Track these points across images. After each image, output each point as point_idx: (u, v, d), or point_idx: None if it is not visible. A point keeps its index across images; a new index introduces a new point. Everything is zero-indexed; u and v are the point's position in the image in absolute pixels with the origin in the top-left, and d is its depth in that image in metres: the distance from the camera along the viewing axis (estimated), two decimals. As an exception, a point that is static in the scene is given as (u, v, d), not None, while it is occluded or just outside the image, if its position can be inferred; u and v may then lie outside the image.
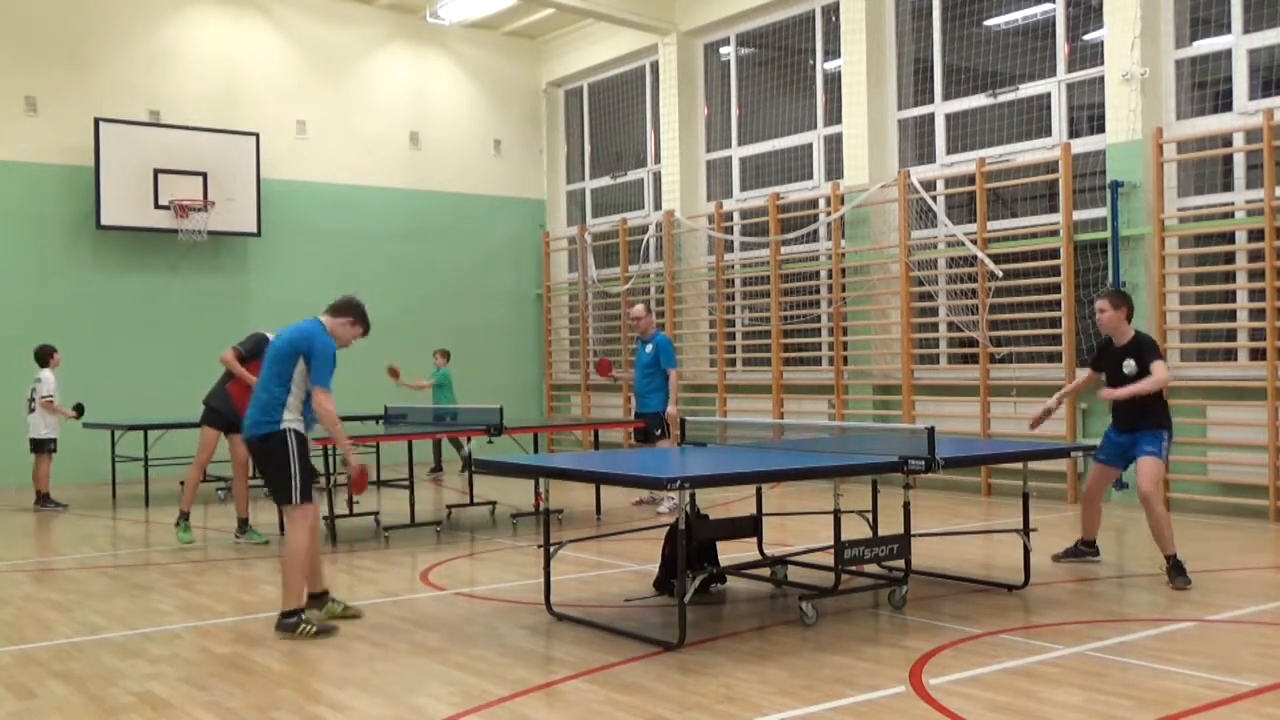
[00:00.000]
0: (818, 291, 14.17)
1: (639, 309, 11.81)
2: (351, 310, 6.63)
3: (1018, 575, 7.18)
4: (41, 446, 12.14)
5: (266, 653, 5.87)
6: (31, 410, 12.10)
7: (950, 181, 12.90)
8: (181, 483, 12.96)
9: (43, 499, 12.10)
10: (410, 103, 17.33)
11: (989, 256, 11.97)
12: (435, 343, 16.04)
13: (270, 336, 9.42)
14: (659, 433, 11.28)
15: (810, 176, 14.61)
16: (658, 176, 16.64)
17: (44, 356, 12.21)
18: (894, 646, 5.75)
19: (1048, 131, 12.15)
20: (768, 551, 7.69)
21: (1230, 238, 10.83)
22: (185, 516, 9.62)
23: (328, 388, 6.28)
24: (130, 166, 14.67)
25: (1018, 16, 12.70)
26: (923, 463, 6.29)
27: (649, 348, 11.54)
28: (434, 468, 15.27)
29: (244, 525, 9.63)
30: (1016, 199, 12.78)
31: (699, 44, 16.24)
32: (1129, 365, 7.51)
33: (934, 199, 12.72)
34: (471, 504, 11.01)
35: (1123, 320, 7.58)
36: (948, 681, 5.10)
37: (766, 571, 7.31)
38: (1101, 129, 11.46)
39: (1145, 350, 7.55)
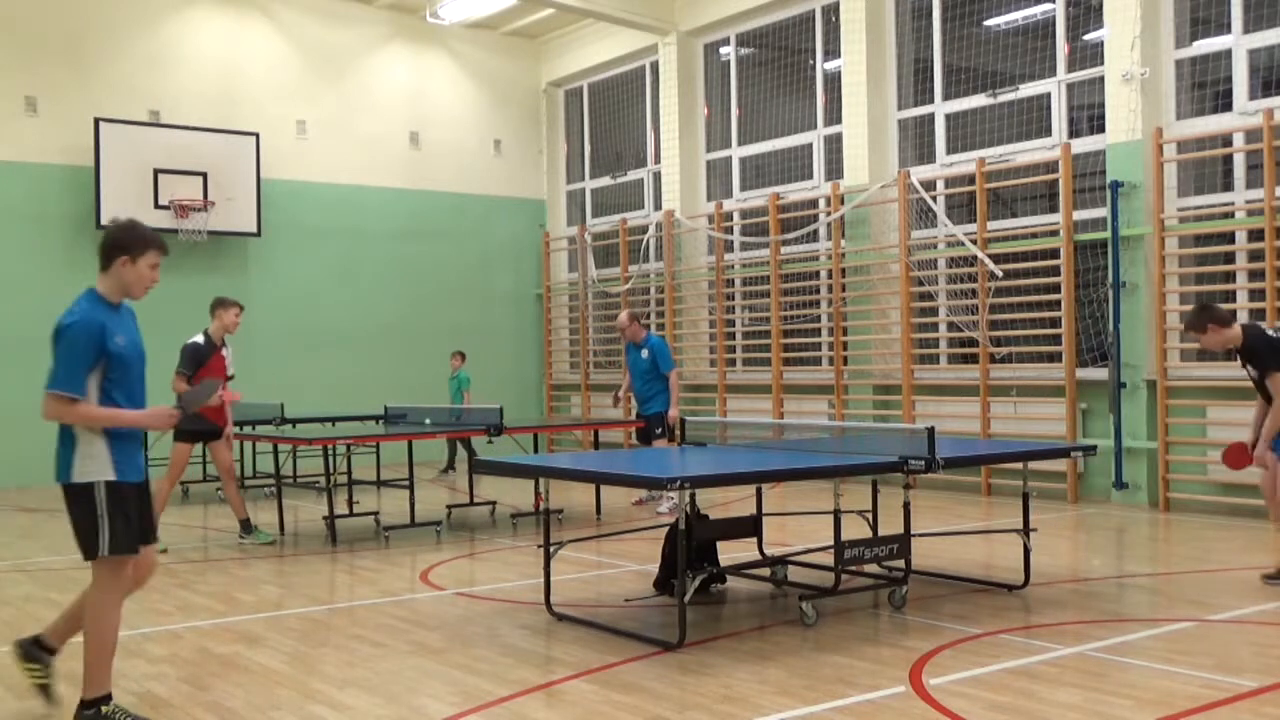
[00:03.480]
0: (818, 291, 14.17)
1: (623, 318, 11.69)
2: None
3: (1018, 575, 7.18)
4: None
5: (266, 653, 5.87)
6: None
7: (950, 181, 12.90)
8: (182, 484, 13.06)
9: None
10: (410, 103, 17.33)
11: (989, 256, 11.97)
12: (435, 342, 16.06)
13: (200, 342, 9.53)
14: (659, 432, 11.27)
15: (810, 176, 14.61)
16: (658, 176, 16.64)
17: None
18: (894, 646, 5.75)
19: (1048, 131, 12.15)
20: (768, 551, 7.69)
21: (1230, 238, 10.82)
22: (245, 524, 9.61)
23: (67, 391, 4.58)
24: (130, 166, 14.66)
25: (1018, 16, 12.70)
26: (923, 463, 6.29)
27: (644, 353, 11.48)
28: (445, 468, 15.24)
29: (247, 526, 9.62)
30: (1016, 199, 12.78)
31: (699, 44, 16.24)
32: (1250, 371, 7.27)
33: (934, 199, 12.72)
34: (471, 504, 11.01)
35: (1220, 331, 7.16)
36: (948, 681, 5.10)
37: (766, 571, 7.31)
38: (1101, 129, 11.46)
39: (1259, 354, 7.12)
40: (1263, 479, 7.42)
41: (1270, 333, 7.39)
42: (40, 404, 4.60)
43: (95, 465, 4.56)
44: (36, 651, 4.94)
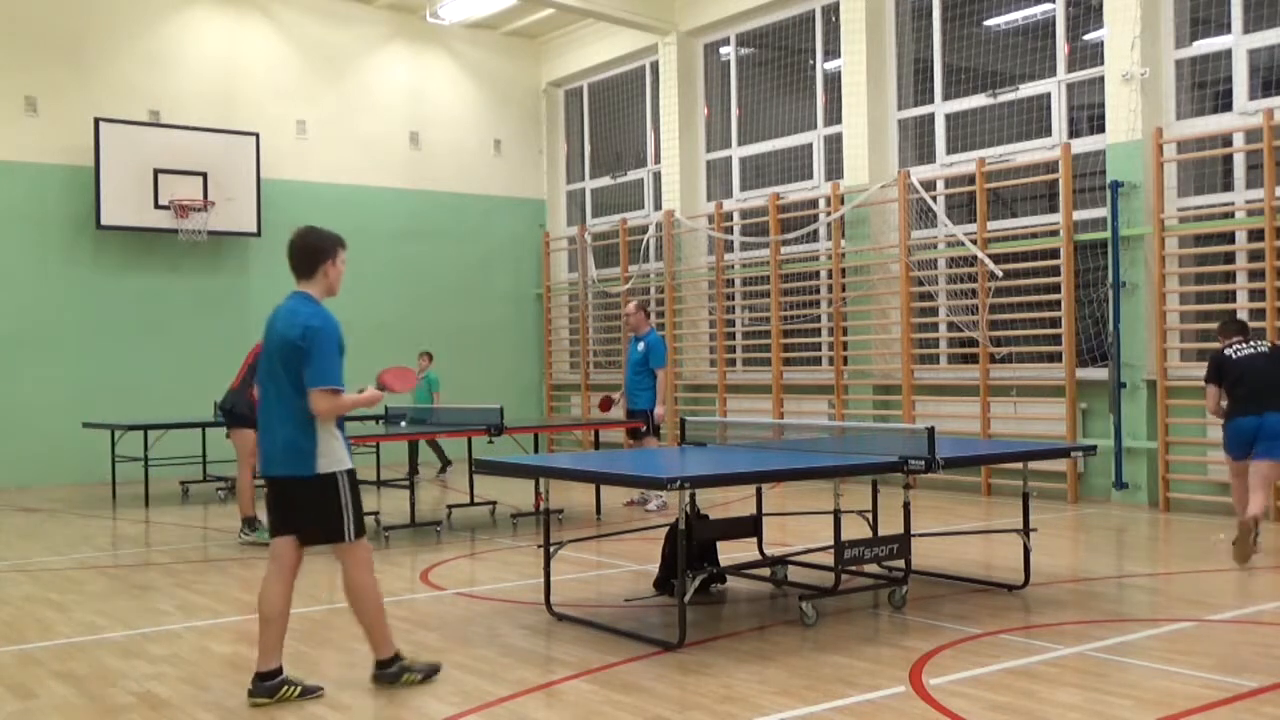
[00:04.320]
0: (818, 291, 14.17)
1: (632, 305, 11.83)
2: None
3: (1018, 575, 7.18)
4: None
5: (266, 653, 5.87)
6: None
7: (950, 181, 12.90)
8: (182, 483, 13.06)
9: None
10: (410, 103, 17.33)
11: (989, 256, 11.97)
12: (435, 343, 16.03)
13: None
14: (645, 429, 11.30)
15: (810, 176, 14.61)
16: (658, 176, 16.64)
17: None
18: (894, 646, 5.75)
19: (1048, 131, 12.15)
20: (768, 551, 7.69)
21: (1230, 238, 10.83)
22: (249, 521, 9.52)
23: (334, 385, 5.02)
24: (130, 166, 14.66)
25: (1018, 16, 12.70)
26: (923, 463, 6.29)
27: (640, 346, 11.56)
28: (441, 469, 15.24)
29: (252, 523, 9.58)
30: (1016, 199, 12.78)
31: (699, 44, 16.23)
32: None
33: (934, 199, 12.72)
34: (472, 504, 11.01)
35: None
36: (948, 681, 5.10)
37: (766, 571, 7.31)
38: (1101, 129, 11.46)
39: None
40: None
41: (1228, 350, 8.45)
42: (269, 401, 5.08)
43: (335, 457, 4.97)
44: (390, 672, 5.15)
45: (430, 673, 5.21)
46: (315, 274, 5.27)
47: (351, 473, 5.04)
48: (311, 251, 5.27)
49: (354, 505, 5.01)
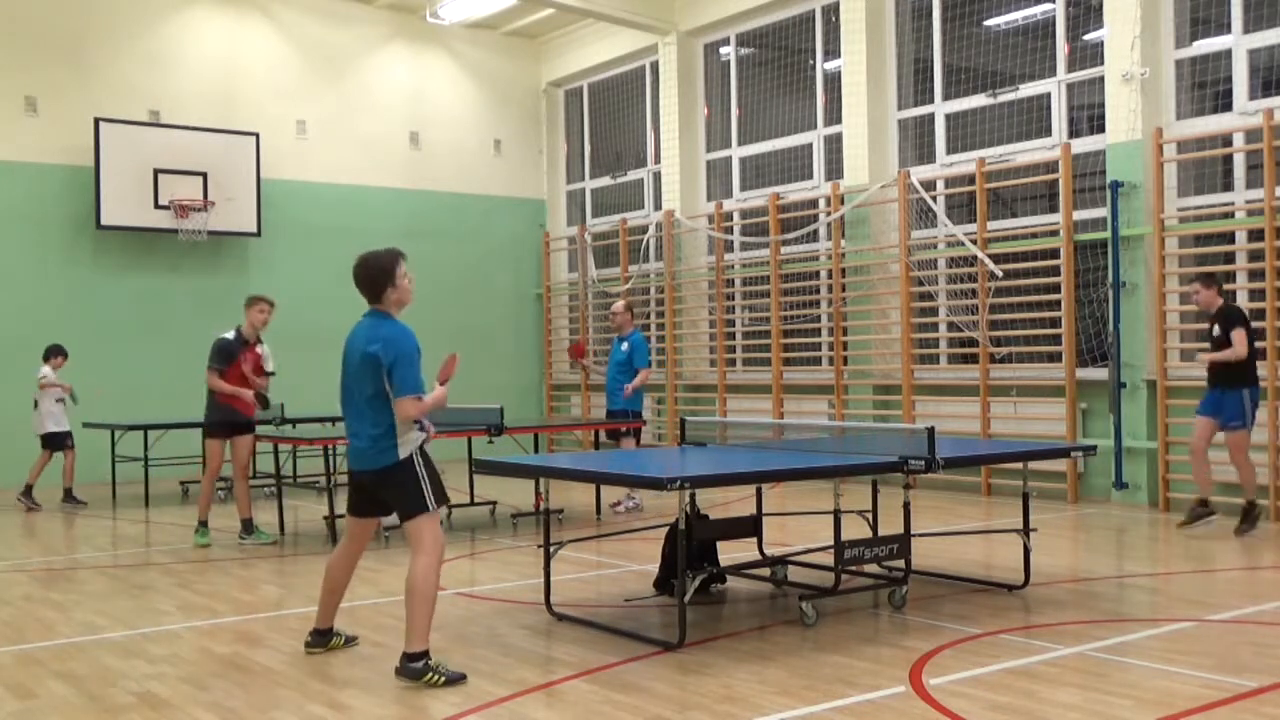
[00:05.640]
0: (818, 291, 14.17)
1: (619, 305, 11.85)
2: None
3: (1018, 575, 7.18)
4: (54, 442, 12.28)
5: (266, 653, 5.87)
6: (35, 406, 12.38)
7: (950, 181, 12.90)
8: (182, 483, 13.09)
9: (66, 495, 12.35)
10: (410, 103, 17.32)
11: (989, 256, 11.97)
12: (435, 342, 16.00)
13: (230, 338, 9.57)
14: (625, 430, 11.31)
15: (810, 176, 14.61)
16: (658, 176, 16.64)
17: (47, 354, 12.45)
18: (894, 646, 5.75)
19: (1048, 131, 12.15)
20: (768, 551, 7.69)
21: (1230, 238, 10.83)
22: (204, 524, 9.60)
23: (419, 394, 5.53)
24: (130, 166, 14.66)
25: (1018, 16, 12.70)
26: (923, 463, 6.29)
27: (624, 345, 11.57)
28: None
29: (249, 526, 9.60)
30: (1016, 199, 12.78)
31: (699, 44, 16.23)
32: (1215, 329, 9.18)
33: (934, 199, 12.72)
34: (472, 504, 11.01)
35: (1215, 296, 9.25)
36: (948, 681, 5.10)
37: (766, 571, 7.31)
38: (1101, 129, 11.46)
39: (1228, 319, 9.13)
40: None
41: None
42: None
43: (409, 444, 5.50)
44: (416, 668, 5.23)
45: (454, 680, 5.19)
46: (382, 296, 5.93)
47: (420, 452, 5.51)
48: (372, 280, 5.95)
49: (430, 479, 5.46)
